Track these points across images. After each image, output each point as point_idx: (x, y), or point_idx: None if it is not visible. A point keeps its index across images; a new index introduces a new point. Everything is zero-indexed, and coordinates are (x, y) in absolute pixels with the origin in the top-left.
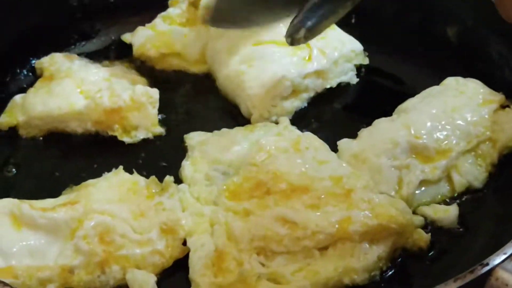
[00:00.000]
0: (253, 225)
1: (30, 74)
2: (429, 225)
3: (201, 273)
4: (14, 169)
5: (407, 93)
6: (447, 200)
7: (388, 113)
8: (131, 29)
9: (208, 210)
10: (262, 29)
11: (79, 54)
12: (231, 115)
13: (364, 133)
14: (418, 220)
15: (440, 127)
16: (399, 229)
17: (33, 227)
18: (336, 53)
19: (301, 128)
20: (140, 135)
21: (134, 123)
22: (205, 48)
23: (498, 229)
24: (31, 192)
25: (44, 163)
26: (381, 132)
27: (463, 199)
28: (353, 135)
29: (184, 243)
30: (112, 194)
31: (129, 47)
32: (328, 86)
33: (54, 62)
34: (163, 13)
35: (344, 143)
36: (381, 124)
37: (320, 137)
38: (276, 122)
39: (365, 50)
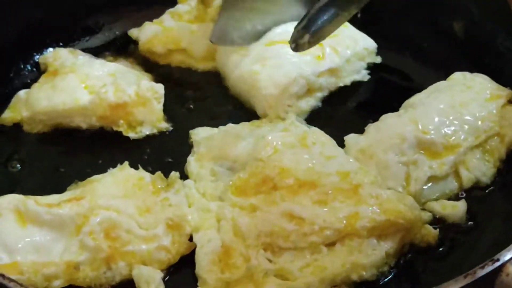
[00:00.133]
0: (260, 221)
1: (34, 69)
2: (437, 221)
3: (208, 269)
4: (18, 165)
5: (414, 88)
6: (455, 196)
7: (395, 108)
8: (135, 24)
9: (214, 206)
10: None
11: (83, 49)
12: (236, 110)
13: (371, 128)
14: (426, 215)
15: (447, 122)
16: (407, 224)
17: (38, 223)
18: (348, 51)
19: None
20: (145, 130)
21: (139, 118)
22: (213, 46)
23: (506, 225)
24: (36, 188)
25: (49, 158)
26: (388, 128)
27: (471, 194)
28: (360, 130)
29: (190, 239)
30: (117, 190)
31: (133, 42)
32: (341, 84)
33: (58, 57)
34: (171, 9)
35: (351, 138)
36: (388, 119)
37: (327, 133)
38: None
39: None
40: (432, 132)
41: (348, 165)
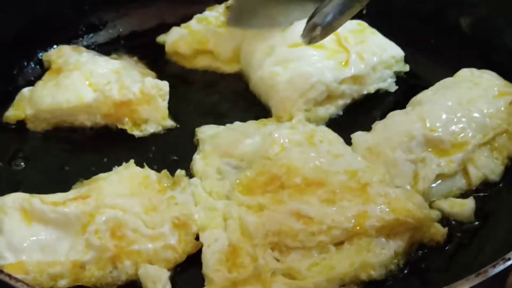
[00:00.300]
0: (267, 220)
1: (38, 66)
2: (445, 219)
3: (215, 269)
4: (22, 163)
5: (421, 85)
6: (464, 194)
7: (401, 105)
8: (139, 21)
9: (221, 205)
10: (280, 29)
11: (86, 47)
12: (243, 108)
13: (378, 126)
14: (435, 214)
15: (455, 119)
16: (416, 223)
17: (44, 222)
18: (375, 58)
19: None
20: (150, 128)
21: (144, 116)
22: (239, 47)
23: None
24: (40, 186)
25: (53, 157)
26: (396, 125)
27: (480, 192)
28: (367, 128)
29: (197, 238)
30: (123, 188)
31: (138, 40)
32: (365, 92)
33: (62, 55)
34: (199, 15)
35: (358, 136)
36: (395, 116)
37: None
38: None
39: None
40: (440, 129)
41: (356, 164)
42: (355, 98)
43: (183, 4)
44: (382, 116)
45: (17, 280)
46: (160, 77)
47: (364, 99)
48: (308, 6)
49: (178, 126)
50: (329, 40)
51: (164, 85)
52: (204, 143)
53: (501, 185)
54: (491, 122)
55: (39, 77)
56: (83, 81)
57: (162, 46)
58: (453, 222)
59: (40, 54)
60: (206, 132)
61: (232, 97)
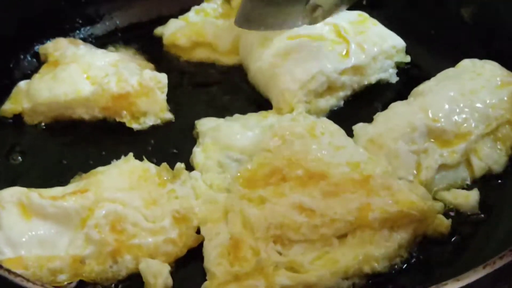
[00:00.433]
0: (269, 213)
1: (34, 60)
2: (449, 210)
3: (216, 262)
4: (20, 157)
5: (422, 76)
6: (467, 185)
7: (403, 96)
8: (136, 14)
9: (221, 198)
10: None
11: (83, 39)
12: (242, 101)
13: (380, 117)
14: (438, 205)
15: (458, 110)
16: (420, 215)
17: (42, 216)
18: (375, 48)
19: None
20: (148, 121)
21: (142, 109)
22: (238, 39)
23: None
24: (38, 181)
25: (51, 150)
26: (397, 116)
27: (483, 183)
28: (368, 119)
29: (198, 231)
30: (122, 182)
31: (135, 32)
32: (366, 83)
33: (58, 47)
34: (196, 7)
35: (359, 128)
36: (397, 107)
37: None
38: None
39: None
40: (443, 120)
41: (358, 155)
42: (355, 90)
43: None
44: (384, 108)
45: (16, 275)
46: (158, 69)
47: (365, 91)
48: None
49: (176, 119)
50: (329, 31)
51: (163, 77)
52: (204, 136)
53: (504, 176)
54: (494, 112)
55: (35, 70)
56: (80, 74)
57: (159, 39)
58: (457, 214)
59: (37, 47)
60: (206, 125)
61: (231, 89)
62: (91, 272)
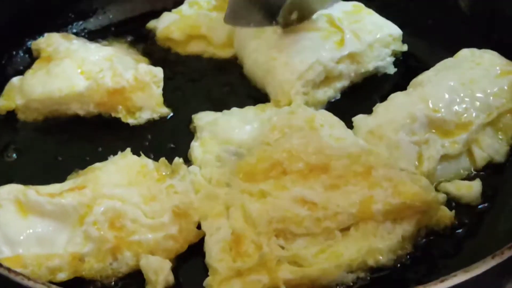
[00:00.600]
0: (271, 207)
1: (27, 55)
2: (452, 202)
3: (218, 258)
4: (14, 154)
5: (420, 66)
6: (469, 175)
7: (401, 87)
8: (129, 7)
9: (221, 192)
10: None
11: (76, 34)
12: (239, 94)
13: (380, 108)
14: (441, 197)
15: (458, 99)
16: (424, 207)
17: (40, 213)
18: (371, 36)
19: None
20: (144, 116)
21: (138, 103)
22: (233, 32)
23: None
24: (34, 178)
25: (46, 147)
26: (397, 107)
27: (486, 174)
28: (367, 111)
29: (199, 226)
30: (120, 178)
31: (129, 26)
32: (363, 71)
33: (51, 43)
34: None
35: (359, 119)
36: (397, 98)
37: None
38: None
39: None
40: (443, 110)
41: (359, 147)
42: (353, 81)
43: None
44: (382, 99)
45: (17, 273)
46: (153, 63)
47: (363, 82)
48: None
49: (173, 113)
50: (323, 21)
51: (158, 72)
52: (202, 130)
53: (506, 165)
54: (495, 101)
55: (28, 66)
56: (74, 69)
57: (153, 32)
58: (460, 205)
59: (29, 42)
60: (203, 119)
61: (227, 82)
62: (91, 270)
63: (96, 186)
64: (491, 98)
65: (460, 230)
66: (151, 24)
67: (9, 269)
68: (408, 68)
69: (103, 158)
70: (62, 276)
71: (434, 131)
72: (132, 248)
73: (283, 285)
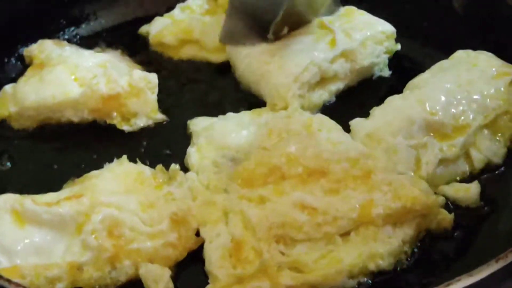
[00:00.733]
0: (270, 212)
1: (19, 62)
2: (450, 205)
3: (218, 265)
4: (8, 163)
5: (416, 69)
6: (467, 178)
7: (397, 90)
8: (121, 13)
9: (220, 198)
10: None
11: (68, 40)
12: (234, 98)
13: (376, 111)
14: (440, 200)
15: (455, 102)
16: (424, 210)
17: (37, 223)
18: (362, 33)
19: None
20: (140, 122)
21: (133, 110)
22: None
23: None
24: (29, 187)
25: (40, 155)
26: (394, 110)
27: (484, 176)
28: (363, 114)
29: (197, 233)
30: (117, 186)
31: (121, 32)
32: (357, 67)
33: (43, 49)
34: (181, 4)
35: (356, 123)
36: (394, 101)
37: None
38: None
39: None
40: (440, 113)
41: (357, 151)
42: (349, 84)
43: None
44: (378, 102)
45: (17, 284)
46: (146, 69)
47: (358, 85)
48: None
49: (168, 119)
50: (313, 25)
51: (153, 77)
52: (198, 135)
53: (504, 167)
54: (492, 103)
55: (21, 73)
56: (68, 75)
57: (146, 38)
58: (459, 208)
59: (21, 49)
60: (199, 124)
61: (221, 87)
62: (90, 279)
63: (94, 194)
64: (488, 99)
65: (460, 233)
66: (144, 29)
67: (9, 281)
68: (403, 70)
69: (98, 165)
70: (60, 286)
71: (432, 134)
72: (131, 257)
73: None
